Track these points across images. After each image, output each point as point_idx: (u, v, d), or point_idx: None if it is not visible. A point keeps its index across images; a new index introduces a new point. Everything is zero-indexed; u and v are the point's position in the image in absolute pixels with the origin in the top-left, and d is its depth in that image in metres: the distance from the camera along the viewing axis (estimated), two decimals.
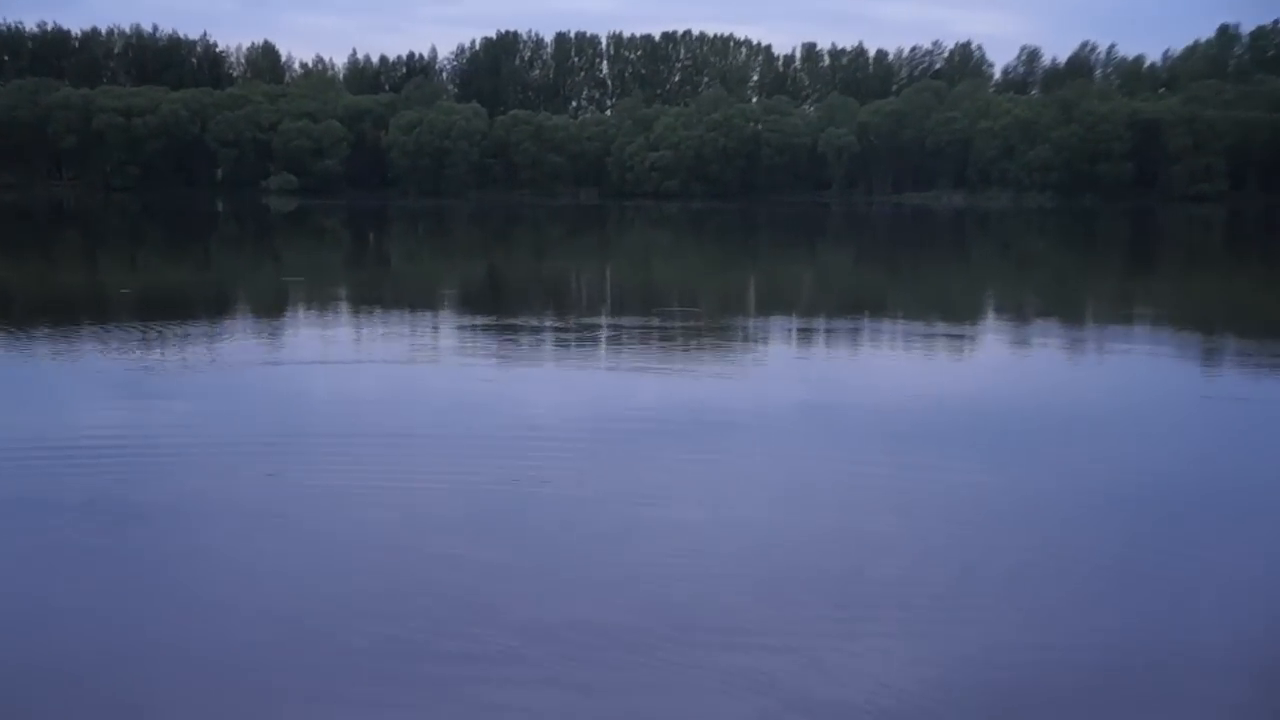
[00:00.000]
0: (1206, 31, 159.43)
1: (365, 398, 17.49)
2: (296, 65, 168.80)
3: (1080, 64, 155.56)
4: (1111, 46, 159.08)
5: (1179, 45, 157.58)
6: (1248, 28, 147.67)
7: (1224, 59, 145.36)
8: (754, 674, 7.92)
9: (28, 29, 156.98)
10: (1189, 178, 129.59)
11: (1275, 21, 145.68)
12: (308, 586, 9.48)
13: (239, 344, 22.68)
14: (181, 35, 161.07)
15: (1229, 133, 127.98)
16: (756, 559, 10.22)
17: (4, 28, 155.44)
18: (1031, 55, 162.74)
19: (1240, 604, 9.34)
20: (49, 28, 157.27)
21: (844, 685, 7.81)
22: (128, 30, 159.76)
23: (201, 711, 7.47)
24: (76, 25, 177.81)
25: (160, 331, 23.66)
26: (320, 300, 31.85)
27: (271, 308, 30.52)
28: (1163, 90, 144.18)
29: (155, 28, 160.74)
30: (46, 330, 24.48)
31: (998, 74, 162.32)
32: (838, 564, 10.12)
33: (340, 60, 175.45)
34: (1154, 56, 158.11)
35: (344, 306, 30.95)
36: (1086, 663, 8.23)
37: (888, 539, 10.73)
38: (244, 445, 13.99)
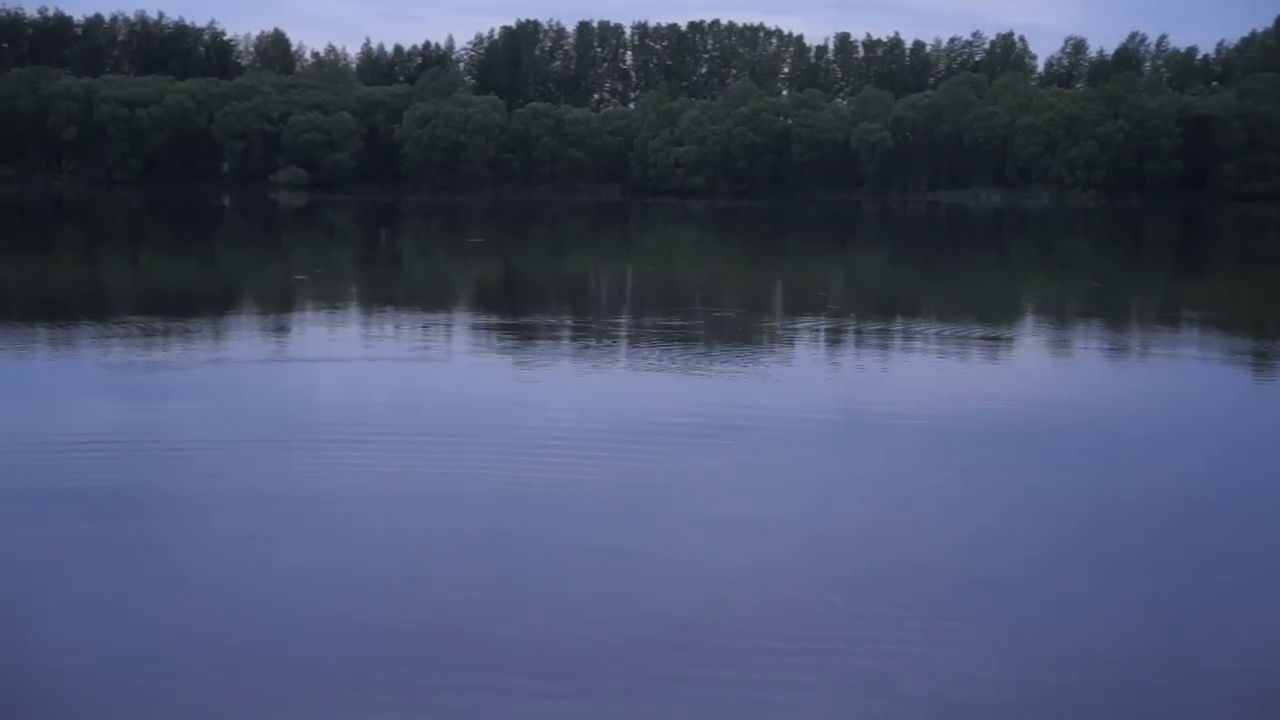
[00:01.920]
0: (1264, 22, 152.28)
1: (379, 398, 17.37)
2: (308, 55, 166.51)
3: (1128, 56, 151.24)
4: (1162, 38, 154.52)
5: (1234, 37, 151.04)
6: None
7: None
8: (866, 675, 7.77)
9: (28, 15, 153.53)
10: (1242, 176, 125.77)
11: None
12: (332, 582, 9.41)
13: (243, 342, 22.76)
14: (188, 23, 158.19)
15: None
16: (817, 558, 10.19)
17: (4, 13, 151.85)
18: (1077, 47, 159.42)
19: None
20: (50, 14, 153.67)
21: (966, 685, 7.67)
22: (132, 17, 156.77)
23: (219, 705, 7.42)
24: (79, 12, 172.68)
25: (161, 330, 23.83)
26: (330, 299, 31.80)
27: (279, 306, 30.32)
28: (1216, 84, 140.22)
29: (161, 15, 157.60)
30: (45, 329, 24.65)
31: (1041, 66, 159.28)
32: (905, 561, 10.01)
33: (353, 50, 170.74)
34: (1207, 48, 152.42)
35: (355, 305, 31.24)
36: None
37: (959, 540, 10.62)
38: (248, 443, 13.94)
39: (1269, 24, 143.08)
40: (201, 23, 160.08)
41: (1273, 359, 22.96)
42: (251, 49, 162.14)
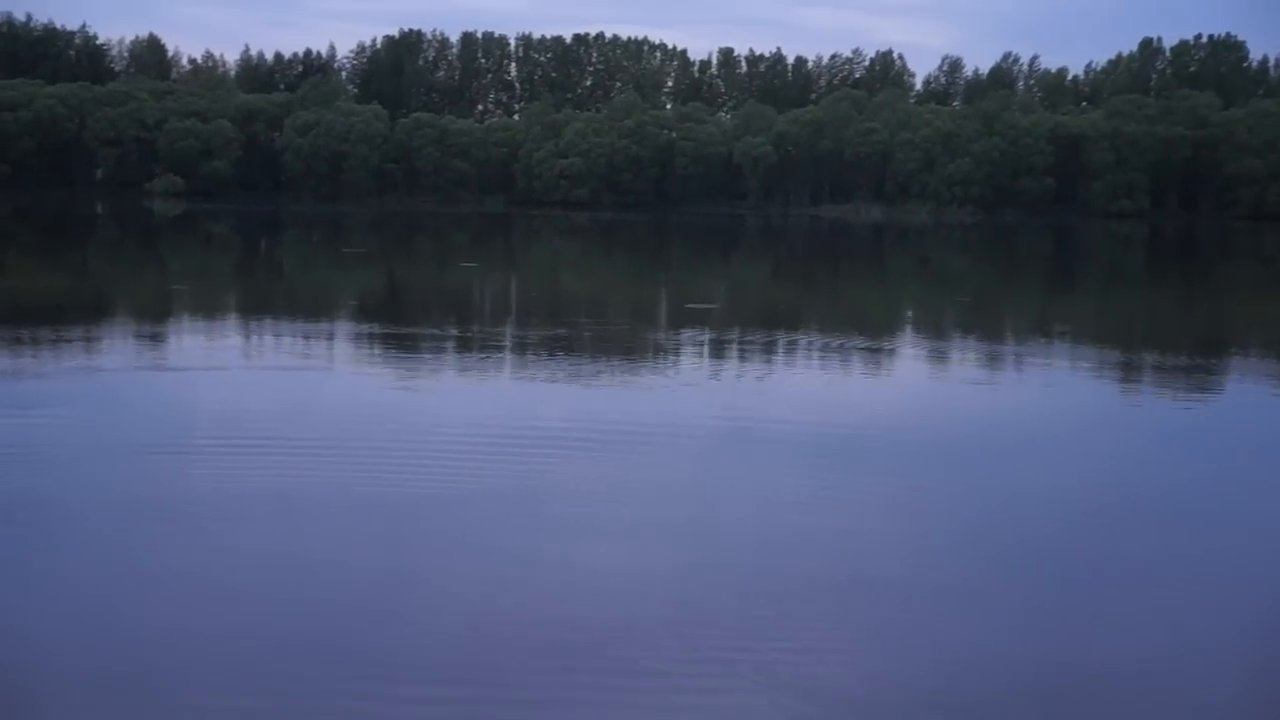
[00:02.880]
0: (1129, 44, 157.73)
1: (259, 406, 17.07)
2: (185, 61, 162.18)
3: (1002, 75, 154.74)
4: (1034, 58, 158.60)
5: (1101, 58, 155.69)
6: (1170, 41, 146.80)
7: (1146, 73, 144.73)
8: (791, 673, 7.80)
9: None
10: (1110, 194, 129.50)
11: (1196, 36, 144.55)
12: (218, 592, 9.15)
13: (116, 351, 22.35)
14: (58, 25, 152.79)
15: (1150, 149, 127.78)
16: (711, 564, 10.12)
17: None
18: (953, 65, 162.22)
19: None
20: None
21: (894, 683, 7.80)
22: None
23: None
24: None
25: (30, 339, 23.46)
26: (208, 308, 31.26)
27: (155, 315, 29.72)
28: (1085, 104, 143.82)
29: (29, 16, 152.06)
30: None
31: (919, 84, 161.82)
32: (798, 565, 10.08)
33: (232, 57, 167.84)
34: (1076, 69, 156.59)
35: (233, 315, 30.70)
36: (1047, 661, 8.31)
37: (848, 543, 10.74)
38: (122, 450, 13.61)
39: (1133, 47, 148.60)
40: (73, 26, 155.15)
41: (1137, 371, 23.72)
42: (126, 54, 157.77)
